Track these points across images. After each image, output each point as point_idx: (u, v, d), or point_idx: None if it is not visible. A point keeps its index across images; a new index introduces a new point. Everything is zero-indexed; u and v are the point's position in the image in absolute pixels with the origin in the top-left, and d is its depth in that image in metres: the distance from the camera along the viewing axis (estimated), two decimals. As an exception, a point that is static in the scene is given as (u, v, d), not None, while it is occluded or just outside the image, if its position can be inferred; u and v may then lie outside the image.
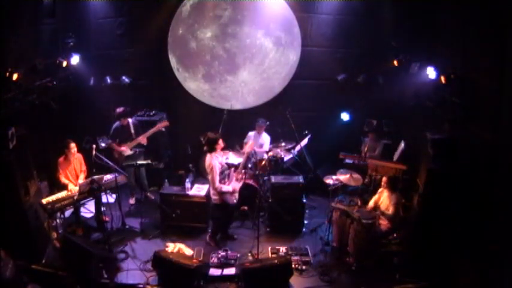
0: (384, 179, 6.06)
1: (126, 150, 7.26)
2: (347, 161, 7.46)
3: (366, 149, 7.14)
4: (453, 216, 5.15)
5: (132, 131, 7.34)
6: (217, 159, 6.04)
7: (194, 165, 7.99)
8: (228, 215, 6.42)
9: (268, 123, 7.84)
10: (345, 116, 7.83)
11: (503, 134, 4.64)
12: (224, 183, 6.08)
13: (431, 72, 5.95)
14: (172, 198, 6.73)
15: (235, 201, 6.23)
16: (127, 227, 6.83)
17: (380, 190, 6.18)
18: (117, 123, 7.34)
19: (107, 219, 6.80)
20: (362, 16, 7.74)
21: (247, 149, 6.36)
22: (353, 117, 7.89)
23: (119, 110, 7.27)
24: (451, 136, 5.43)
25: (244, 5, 7.93)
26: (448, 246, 5.24)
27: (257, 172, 7.09)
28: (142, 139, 7.27)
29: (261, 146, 7.77)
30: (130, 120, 7.40)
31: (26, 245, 5.51)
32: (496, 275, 4.61)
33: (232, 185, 6.14)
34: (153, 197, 7.54)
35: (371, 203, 6.18)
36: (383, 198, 6.03)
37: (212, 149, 6.02)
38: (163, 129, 7.50)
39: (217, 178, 5.95)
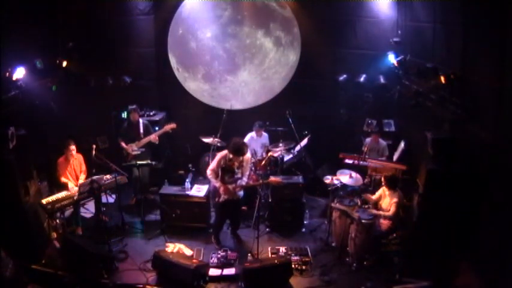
0: (382, 178, 6.07)
1: (134, 149, 7.28)
2: (347, 161, 7.46)
3: (366, 149, 7.13)
4: (453, 216, 5.15)
5: (141, 130, 7.39)
6: (225, 159, 6.09)
7: (194, 165, 8.00)
8: (216, 211, 6.47)
9: (268, 123, 7.85)
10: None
11: (503, 134, 4.64)
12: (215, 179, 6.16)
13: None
14: (172, 198, 6.74)
15: (216, 199, 6.25)
16: (127, 227, 6.83)
17: (381, 189, 6.18)
18: (126, 121, 7.41)
19: (107, 219, 6.79)
20: (362, 16, 7.75)
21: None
22: (353, 117, 7.89)
23: (131, 106, 7.37)
24: (451, 136, 5.42)
25: (244, 5, 7.93)
26: (448, 246, 5.23)
27: (257, 172, 7.09)
28: (154, 138, 7.33)
29: (264, 146, 7.77)
30: (141, 120, 7.46)
31: (26, 245, 5.51)
32: (496, 275, 4.61)
33: (222, 187, 6.10)
34: (152, 197, 7.56)
35: (375, 197, 6.19)
36: (384, 197, 6.02)
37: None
38: (170, 131, 7.51)
39: (213, 164, 6.15)
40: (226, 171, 6.13)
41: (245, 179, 6.24)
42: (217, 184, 6.13)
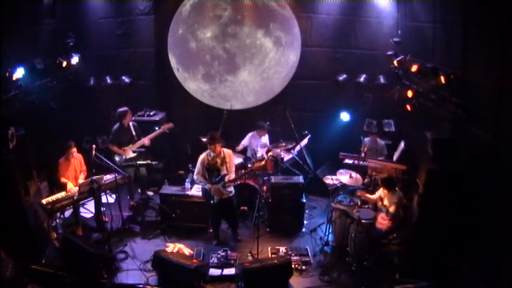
0: (379, 181, 6.09)
1: (129, 152, 7.20)
2: (347, 161, 7.46)
3: (365, 149, 7.13)
4: (453, 216, 5.15)
5: (133, 133, 7.26)
6: (208, 155, 6.15)
7: (194, 165, 7.97)
8: (211, 212, 6.44)
9: (268, 123, 7.84)
10: (345, 116, 7.81)
11: (503, 134, 4.64)
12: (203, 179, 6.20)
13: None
14: (172, 198, 6.75)
15: (211, 202, 6.22)
16: (127, 227, 6.83)
17: (380, 190, 6.18)
18: (117, 125, 7.22)
19: (107, 219, 6.79)
20: (362, 16, 7.74)
21: (255, 167, 6.56)
22: (353, 117, 7.88)
23: (121, 109, 7.19)
24: (451, 136, 5.42)
25: (244, 5, 7.92)
26: (448, 246, 5.24)
27: (257, 173, 7.08)
28: (147, 141, 7.23)
29: (265, 146, 7.76)
30: (131, 122, 7.31)
31: (26, 245, 5.51)
32: (495, 275, 4.61)
33: (212, 188, 6.11)
34: (152, 197, 7.55)
35: (374, 196, 6.20)
36: (384, 198, 6.03)
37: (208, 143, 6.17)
38: (168, 131, 7.47)
39: (197, 168, 6.22)
40: (211, 170, 6.15)
41: (233, 175, 6.20)
42: (207, 186, 6.15)
